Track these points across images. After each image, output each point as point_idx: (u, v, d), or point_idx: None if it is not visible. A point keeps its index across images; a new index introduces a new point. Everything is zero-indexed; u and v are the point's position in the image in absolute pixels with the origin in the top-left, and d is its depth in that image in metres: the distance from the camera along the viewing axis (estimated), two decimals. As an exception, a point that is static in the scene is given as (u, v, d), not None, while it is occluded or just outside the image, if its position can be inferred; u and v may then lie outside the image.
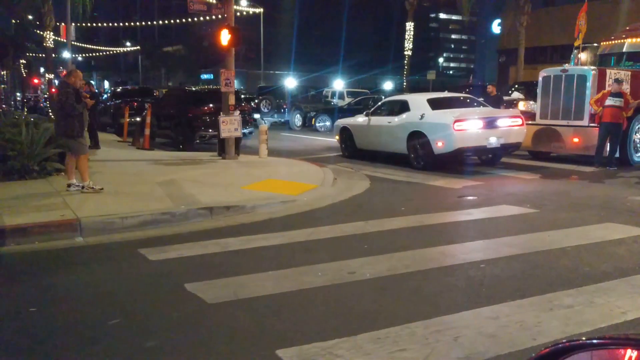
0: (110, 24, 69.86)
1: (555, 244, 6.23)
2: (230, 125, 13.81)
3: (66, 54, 29.61)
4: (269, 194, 9.57)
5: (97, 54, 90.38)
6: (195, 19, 53.92)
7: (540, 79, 13.98)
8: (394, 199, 9.50)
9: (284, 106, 25.25)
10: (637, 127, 12.74)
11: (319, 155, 15.68)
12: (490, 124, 11.82)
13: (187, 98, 18.54)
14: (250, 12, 51.07)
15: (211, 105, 17.32)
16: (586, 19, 15.23)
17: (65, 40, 27.61)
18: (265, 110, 25.69)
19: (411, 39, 35.79)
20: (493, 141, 11.79)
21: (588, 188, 10.19)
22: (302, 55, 68.12)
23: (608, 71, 13.01)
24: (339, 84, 56.11)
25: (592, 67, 13.03)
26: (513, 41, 31.09)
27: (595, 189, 10.06)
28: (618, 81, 12.26)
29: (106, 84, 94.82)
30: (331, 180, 11.16)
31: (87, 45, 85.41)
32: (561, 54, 28.85)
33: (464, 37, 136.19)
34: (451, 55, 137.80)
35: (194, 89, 20.63)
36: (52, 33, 31.39)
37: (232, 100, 13.99)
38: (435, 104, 12.63)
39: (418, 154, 12.42)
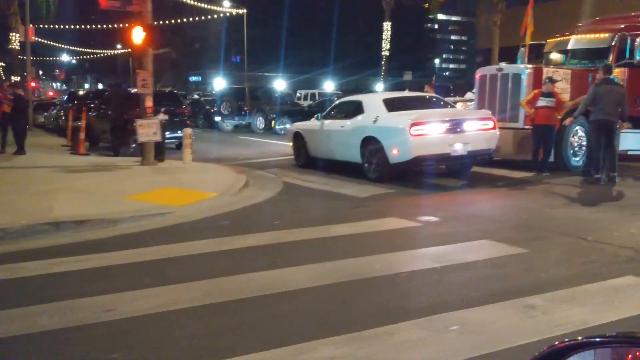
0: (103, 26, 69.22)
1: (386, 270, 5.36)
2: (148, 129, 13.00)
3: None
4: (150, 204, 8.81)
5: (91, 56, 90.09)
6: (184, 20, 53.34)
7: (476, 78, 13.12)
8: (285, 210, 8.72)
9: (245, 108, 24.38)
10: (574, 130, 11.85)
11: (267, 160, 14.83)
12: (455, 128, 10.12)
13: (124, 100, 17.73)
14: (234, 13, 50.35)
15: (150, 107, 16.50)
16: (532, 15, 14.35)
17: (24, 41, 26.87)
18: (226, 112, 24.85)
19: (389, 39, 34.97)
20: (458, 148, 10.05)
21: (499, 198, 9.33)
22: (292, 57, 67.35)
23: (545, 70, 12.13)
24: (329, 86, 55.37)
25: (527, 66, 12.16)
26: (488, 41, 30.18)
27: (507, 199, 9.19)
28: (550, 80, 11.40)
29: (100, 86, 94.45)
30: (238, 188, 10.41)
31: (79, 48, 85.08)
32: (536, 53, 27.65)
33: (463, 37, 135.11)
34: (450, 57, 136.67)
35: (133, 90, 19.78)
36: (17, 35, 30.68)
37: (149, 102, 13.18)
38: (392, 105, 10.93)
39: (372, 163, 10.65)
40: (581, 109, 10.70)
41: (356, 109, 11.58)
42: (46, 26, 38.15)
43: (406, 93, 14.43)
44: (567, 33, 14.11)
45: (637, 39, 12.42)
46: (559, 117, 11.27)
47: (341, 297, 4.70)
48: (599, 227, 6.98)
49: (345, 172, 11.47)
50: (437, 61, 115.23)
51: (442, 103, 11.92)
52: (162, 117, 16.81)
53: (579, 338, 1.49)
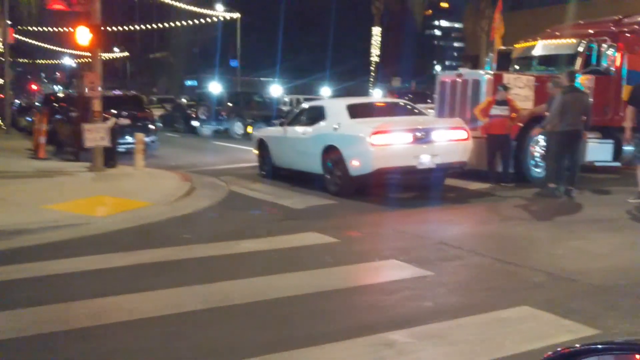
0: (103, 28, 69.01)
1: (253, 295, 4.80)
2: (95, 134, 12.50)
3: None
4: (68, 214, 8.37)
5: (89, 59, 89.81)
6: (179, 23, 53.02)
7: (437, 84, 12.59)
8: (207, 222, 8.28)
9: (223, 113, 23.86)
10: (535, 139, 11.27)
11: (231, 168, 14.29)
12: (422, 137, 9.17)
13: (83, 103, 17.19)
14: (228, 18, 50.05)
15: (111, 111, 16.04)
16: (501, 18, 13.83)
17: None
18: (204, 117, 24.34)
19: (378, 45, 34.47)
20: (426, 160, 9.15)
21: (439, 212, 8.66)
22: (289, 62, 66.92)
23: (506, 76, 11.57)
24: (326, 91, 54.83)
25: (487, 72, 11.61)
26: (476, 47, 29.66)
27: (446, 214, 8.59)
28: (502, 88, 10.83)
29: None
30: (175, 197, 9.93)
31: (76, 52, 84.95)
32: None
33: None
34: (454, 63, 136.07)
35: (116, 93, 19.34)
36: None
37: (97, 106, 12.68)
38: (355, 112, 9.99)
39: (333, 175, 9.70)
40: (552, 120, 10.13)
41: (319, 115, 10.62)
42: (47, 29, 38.02)
43: (373, 98, 13.71)
44: (538, 38, 13.56)
45: (604, 45, 11.87)
46: (516, 123, 10.72)
47: (172, 331, 4.14)
48: (526, 246, 6.43)
49: (309, 183, 10.58)
50: (438, 68, 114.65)
51: (411, 110, 10.96)
52: (124, 121, 16.44)
53: (577, 345, 1.51)
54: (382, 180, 9.41)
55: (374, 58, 34.42)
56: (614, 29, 13.04)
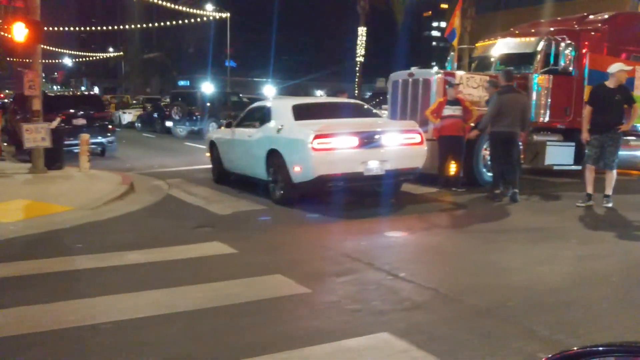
0: (97, 28, 68.86)
1: (97, 317, 4.30)
2: (35, 135, 12.01)
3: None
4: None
5: (85, 59, 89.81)
6: (169, 23, 52.59)
7: (390, 84, 12.09)
8: (119, 229, 7.72)
9: (196, 114, 23.36)
10: (487, 142, 10.74)
11: (187, 170, 13.80)
12: (370, 141, 8.42)
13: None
14: (218, 17, 49.62)
15: (62, 111, 15.59)
16: (460, 16, 13.29)
17: None
18: (177, 117, 23.83)
19: (363, 45, 33.92)
20: (374, 166, 8.40)
21: (365, 222, 7.99)
22: (282, 62, 66.49)
23: (458, 75, 11.05)
24: (318, 93, 54.33)
25: (438, 70, 11.07)
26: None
27: (371, 223, 8.01)
28: (449, 85, 10.34)
29: (96, 89, 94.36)
30: (104, 201, 9.47)
31: (69, 51, 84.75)
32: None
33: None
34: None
35: (45, 92, 18.82)
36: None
37: (37, 105, 12.19)
38: (301, 112, 9.27)
39: (277, 181, 9.02)
40: (487, 121, 9.63)
41: (265, 115, 9.89)
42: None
43: (323, 98, 12.99)
44: (499, 37, 13.05)
45: (562, 44, 11.34)
46: (470, 124, 10.21)
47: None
48: (431, 259, 5.92)
49: (258, 188, 9.82)
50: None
51: (364, 112, 10.10)
52: (79, 121, 15.97)
53: (575, 348, 1.54)
54: (325, 188, 8.56)
55: (360, 59, 33.78)
56: (576, 27, 12.54)
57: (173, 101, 24.91)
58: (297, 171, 8.47)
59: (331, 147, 8.24)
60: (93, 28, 64.18)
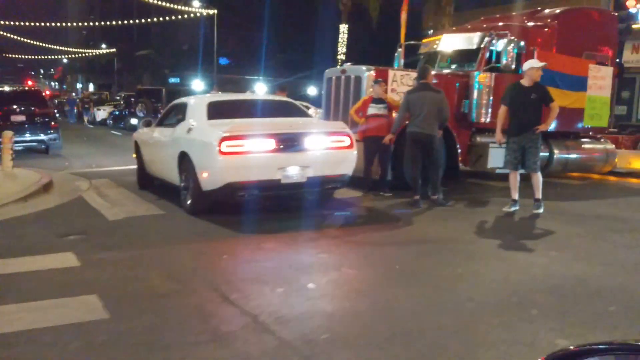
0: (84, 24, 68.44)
1: None
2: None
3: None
4: None
5: (79, 55, 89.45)
6: (164, 19, 52.04)
7: (324, 81, 11.43)
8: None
9: (161, 110, 22.71)
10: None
11: (128, 169, 13.02)
12: (289, 144, 7.48)
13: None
14: (204, 13, 49.06)
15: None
16: (407, 10, 12.62)
17: None
18: (141, 114, 23.21)
19: (345, 42, 33.20)
20: (293, 173, 7.47)
21: (263, 238, 7.46)
22: (274, 60, 65.76)
23: (391, 72, 10.37)
24: (311, 90, 53.62)
25: (370, 67, 10.38)
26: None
27: (269, 239, 7.38)
28: (375, 82, 9.69)
29: (91, 86, 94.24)
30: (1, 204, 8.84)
31: (67, 48, 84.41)
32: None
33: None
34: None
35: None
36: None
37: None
38: (216, 111, 8.27)
39: (188, 188, 8.06)
40: (398, 122, 8.99)
41: (182, 114, 8.93)
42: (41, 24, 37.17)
43: (247, 95, 12.10)
44: (444, 33, 12.37)
45: (503, 40, 10.64)
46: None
47: None
48: (288, 279, 5.22)
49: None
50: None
51: (293, 111, 8.98)
52: (17, 117, 15.34)
53: (572, 347, 1.55)
54: (236, 197, 7.52)
55: (341, 57, 33.10)
56: (526, 23, 11.86)
57: (138, 98, 24.25)
58: (205, 177, 7.52)
59: (242, 151, 7.28)
60: (85, 24, 63.67)
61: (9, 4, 75.66)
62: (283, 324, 4.02)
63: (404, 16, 12.52)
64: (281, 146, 7.44)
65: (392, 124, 9.45)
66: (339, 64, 34.97)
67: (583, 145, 12.39)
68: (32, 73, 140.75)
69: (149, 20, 51.24)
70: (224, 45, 62.85)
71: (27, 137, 15.38)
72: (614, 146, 12.90)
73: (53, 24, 58.99)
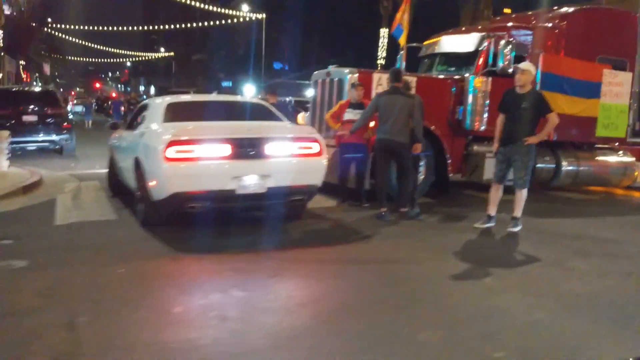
0: (143, 28, 70.29)
1: None
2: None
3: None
4: None
5: (141, 59, 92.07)
6: (220, 22, 52.73)
7: (312, 85, 10.96)
8: None
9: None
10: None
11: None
12: (247, 150, 6.75)
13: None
14: (253, 18, 49.41)
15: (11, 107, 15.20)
16: (409, 12, 11.97)
17: None
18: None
19: (385, 47, 32.58)
20: (251, 183, 6.71)
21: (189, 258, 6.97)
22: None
23: (376, 75, 9.77)
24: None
25: (353, 69, 9.82)
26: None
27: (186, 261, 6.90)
28: (352, 86, 9.14)
29: (152, 89, 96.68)
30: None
31: (128, 52, 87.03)
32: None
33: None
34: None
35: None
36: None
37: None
38: (176, 113, 7.65)
39: (142, 197, 7.36)
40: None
41: (143, 116, 8.42)
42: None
43: (212, 96, 11.23)
44: (443, 34, 11.68)
45: (502, 42, 9.89)
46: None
47: None
48: (160, 300, 4.76)
49: None
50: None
51: (263, 114, 8.16)
52: (29, 118, 15.53)
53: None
54: (185, 209, 6.69)
55: (380, 61, 32.46)
56: (531, 23, 11.05)
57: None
58: (153, 186, 6.84)
59: (191, 157, 6.53)
60: (135, 28, 65.21)
61: (78, 10, 78.48)
62: (101, 356, 3.57)
63: (405, 17, 11.87)
64: (237, 152, 6.69)
65: (371, 130, 8.89)
66: (379, 68, 34.37)
67: (596, 157, 11.43)
68: (102, 76, 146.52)
69: (196, 24, 51.85)
70: (279, 50, 63.21)
71: (40, 137, 15.53)
72: (634, 159, 11.84)
73: (113, 29, 60.63)
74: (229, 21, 51.96)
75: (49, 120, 15.59)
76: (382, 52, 32.46)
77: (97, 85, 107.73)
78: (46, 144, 15.81)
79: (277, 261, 5.84)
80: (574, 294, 5.03)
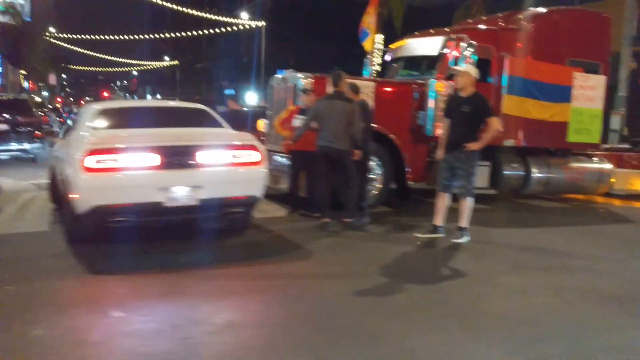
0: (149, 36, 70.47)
1: None
2: None
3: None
4: None
5: (146, 67, 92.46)
6: (223, 30, 52.76)
7: (268, 90, 10.65)
8: None
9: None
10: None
11: None
12: (176, 160, 6.26)
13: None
14: (253, 26, 49.35)
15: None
16: (375, 13, 11.62)
17: None
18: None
19: (380, 52, 32.10)
20: (180, 194, 6.23)
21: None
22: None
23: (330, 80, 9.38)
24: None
25: (308, 74, 9.47)
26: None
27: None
28: (303, 92, 8.81)
29: (158, 97, 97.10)
30: None
31: (132, 61, 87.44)
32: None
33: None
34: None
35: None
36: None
37: None
38: (105, 120, 7.18)
39: (67, 211, 6.84)
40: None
41: (74, 123, 7.99)
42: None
43: (148, 102, 10.72)
44: (407, 37, 11.33)
45: (462, 45, 9.51)
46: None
47: None
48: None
49: None
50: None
51: (203, 120, 7.56)
52: (1, 127, 15.32)
53: None
54: (109, 223, 6.19)
55: (376, 67, 31.98)
56: (497, 26, 10.68)
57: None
58: (74, 198, 6.26)
59: (115, 167, 6.03)
60: (140, 37, 65.44)
61: (87, 20, 79.05)
62: None
63: (372, 20, 11.52)
64: (165, 162, 6.17)
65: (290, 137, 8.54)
66: (374, 75, 33.95)
67: (569, 164, 10.99)
68: (112, 85, 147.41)
69: (196, 33, 51.85)
70: (283, 58, 62.99)
71: (11, 146, 15.32)
72: (611, 165, 11.39)
73: (118, 37, 60.90)
74: (229, 29, 51.85)
75: (21, 129, 15.36)
76: (377, 58, 31.95)
77: (105, 94, 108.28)
78: (18, 152, 15.58)
79: (194, 279, 5.46)
80: (483, 313, 4.63)
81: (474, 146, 7.07)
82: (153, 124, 7.11)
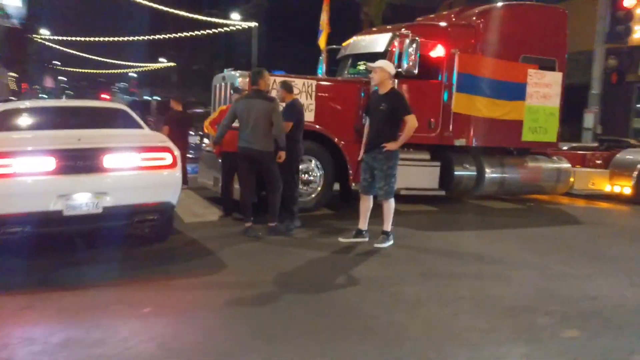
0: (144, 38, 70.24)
1: None
2: None
3: None
4: None
5: (145, 69, 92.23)
6: (217, 30, 52.45)
7: (212, 88, 10.34)
8: None
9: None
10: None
11: None
12: (76, 164, 5.74)
13: None
14: (246, 27, 49.01)
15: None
16: (328, 12, 11.29)
17: None
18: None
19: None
20: (81, 202, 5.71)
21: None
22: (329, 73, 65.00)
23: (273, 79, 9.05)
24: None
25: (243, 73, 9.14)
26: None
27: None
28: (234, 90, 8.51)
29: (157, 98, 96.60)
30: None
31: (128, 63, 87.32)
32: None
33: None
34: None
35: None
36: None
37: None
38: (10, 121, 6.62)
39: None
40: (219, 132, 7.71)
41: None
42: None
43: (58, 102, 9.99)
44: (355, 35, 10.98)
45: (406, 41, 9.16)
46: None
47: None
48: None
49: None
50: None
51: (120, 121, 7.04)
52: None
53: None
54: (3, 234, 5.60)
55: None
56: (445, 22, 10.35)
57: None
58: None
59: (5, 173, 5.47)
60: (138, 38, 65.13)
61: (82, 21, 78.99)
62: None
63: (324, 17, 11.18)
64: (64, 166, 5.64)
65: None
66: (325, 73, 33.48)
67: (525, 163, 10.63)
68: (112, 87, 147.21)
69: (190, 34, 51.55)
70: (280, 59, 62.66)
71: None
72: (569, 165, 11.03)
73: (114, 39, 60.66)
74: (224, 29, 51.54)
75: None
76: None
77: (105, 96, 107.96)
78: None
79: (61, 293, 5.05)
80: (353, 325, 4.27)
81: (391, 146, 6.74)
82: (61, 125, 6.61)
